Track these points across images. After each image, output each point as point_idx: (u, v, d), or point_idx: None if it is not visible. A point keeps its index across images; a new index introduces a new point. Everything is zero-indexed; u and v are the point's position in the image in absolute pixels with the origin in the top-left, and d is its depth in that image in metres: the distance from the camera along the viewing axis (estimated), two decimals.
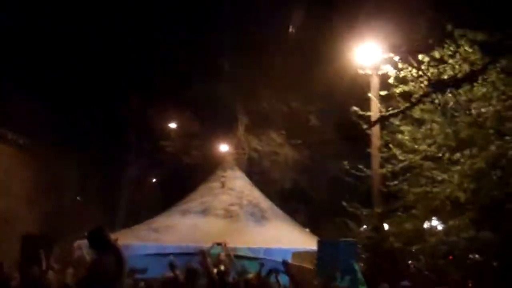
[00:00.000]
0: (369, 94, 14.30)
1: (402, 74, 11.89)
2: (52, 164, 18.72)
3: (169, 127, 20.59)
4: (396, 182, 13.69)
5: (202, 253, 10.37)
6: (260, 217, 14.68)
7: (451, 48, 11.07)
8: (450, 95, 11.49)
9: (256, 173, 19.71)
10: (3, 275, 9.34)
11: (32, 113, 17.01)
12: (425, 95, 11.16)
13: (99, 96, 19.35)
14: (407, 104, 12.06)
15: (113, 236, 13.45)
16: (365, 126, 14.19)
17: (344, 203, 14.45)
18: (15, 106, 16.49)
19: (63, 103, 18.74)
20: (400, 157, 13.42)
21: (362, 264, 13.90)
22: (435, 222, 15.23)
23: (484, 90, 10.88)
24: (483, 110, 11.15)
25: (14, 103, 16.45)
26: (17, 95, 16.70)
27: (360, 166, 14.35)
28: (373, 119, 14.46)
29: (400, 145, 13.56)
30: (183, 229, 13.58)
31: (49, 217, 18.06)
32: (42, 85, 18.27)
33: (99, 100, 19.41)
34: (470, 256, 14.15)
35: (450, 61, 11.10)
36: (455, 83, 10.82)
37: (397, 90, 12.27)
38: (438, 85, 11.00)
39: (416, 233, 13.68)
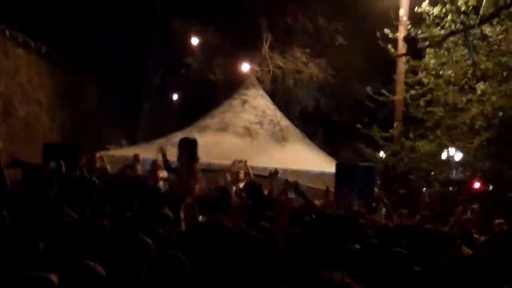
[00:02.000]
0: (400, 12, 13.97)
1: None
2: (73, 73, 18.84)
3: (192, 42, 20.30)
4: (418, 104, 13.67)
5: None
6: (280, 137, 14.70)
7: None
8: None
9: (279, 91, 19.64)
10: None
11: (54, 22, 17.01)
12: (454, 32, 10.91)
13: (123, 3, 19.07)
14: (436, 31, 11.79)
15: (132, 149, 13.73)
16: (392, 50, 13.98)
17: (360, 126, 14.53)
18: (39, 16, 16.47)
19: (87, 16, 18.57)
20: (424, 80, 13.30)
21: (377, 190, 14.14)
22: (452, 152, 15.27)
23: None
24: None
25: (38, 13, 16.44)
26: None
27: (383, 91, 14.27)
28: (400, 41, 14.22)
29: (426, 69, 13.43)
30: (203, 145, 13.62)
31: (69, 127, 18.40)
32: None
33: (122, 7, 19.12)
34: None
35: None
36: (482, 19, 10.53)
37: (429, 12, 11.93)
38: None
39: (432, 158, 13.82)
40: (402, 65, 14.48)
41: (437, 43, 11.79)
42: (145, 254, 3.69)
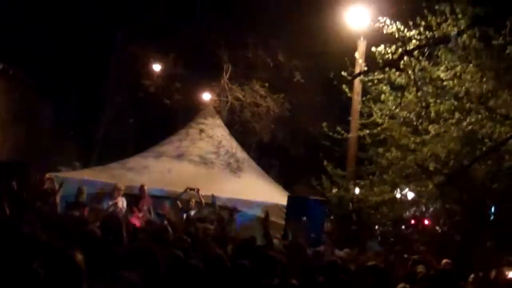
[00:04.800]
0: (356, 54, 14.33)
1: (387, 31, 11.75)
2: (30, 91, 18.49)
3: (151, 67, 20.28)
4: (370, 144, 13.90)
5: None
6: (235, 168, 14.77)
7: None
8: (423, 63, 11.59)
9: (236, 123, 19.73)
10: None
11: (13, 40, 16.74)
12: (401, 56, 11.13)
13: (82, 26, 18.92)
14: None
15: (85, 172, 13.55)
16: (347, 90, 14.30)
17: (321, 161, 14.71)
18: None
19: (45, 32, 18.35)
20: (378, 120, 13.54)
21: (329, 224, 14.26)
22: (404, 191, 15.55)
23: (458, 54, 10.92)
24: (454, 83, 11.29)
25: None
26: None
27: (339, 129, 14.52)
28: (356, 82, 14.58)
29: (380, 109, 13.69)
30: (157, 171, 13.62)
31: (21, 146, 17.95)
32: (30, 14, 17.84)
33: (81, 31, 18.97)
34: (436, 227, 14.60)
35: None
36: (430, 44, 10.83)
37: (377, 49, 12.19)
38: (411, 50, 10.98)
39: (385, 198, 14.02)
40: (357, 104, 14.78)
41: (385, 67, 12.00)
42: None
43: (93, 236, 6.15)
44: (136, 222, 10.16)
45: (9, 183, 8.65)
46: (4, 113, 17.51)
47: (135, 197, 11.86)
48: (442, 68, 11.14)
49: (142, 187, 12.01)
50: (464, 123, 11.18)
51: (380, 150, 13.40)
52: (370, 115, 13.83)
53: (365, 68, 13.55)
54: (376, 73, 12.24)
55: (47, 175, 12.62)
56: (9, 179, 8.89)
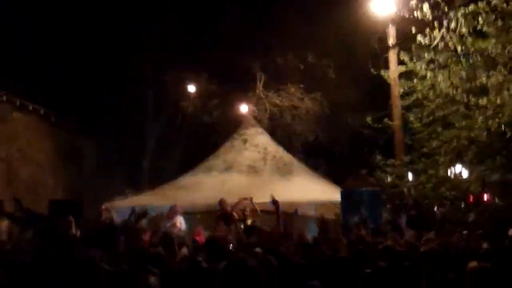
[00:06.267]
0: (389, 42, 14.19)
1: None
2: (73, 133, 18.95)
3: (187, 89, 20.54)
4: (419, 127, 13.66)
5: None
6: (285, 171, 14.77)
7: None
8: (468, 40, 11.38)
9: (278, 128, 19.75)
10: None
11: (49, 82, 17.22)
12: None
13: (115, 62, 19.27)
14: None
15: (138, 198, 13.68)
16: (384, 73, 14.17)
17: (366, 155, 14.57)
18: (34, 76, 16.68)
19: (80, 73, 18.77)
20: (424, 102, 13.30)
21: (387, 214, 14.04)
22: (458, 168, 15.22)
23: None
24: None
25: (33, 73, 16.66)
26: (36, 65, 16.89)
27: (385, 120, 14.36)
28: (391, 66, 14.44)
29: (421, 92, 13.49)
30: (209, 186, 13.71)
31: (71, 186, 18.36)
32: (60, 55, 18.29)
33: (115, 67, 19.32)
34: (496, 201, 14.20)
35: None
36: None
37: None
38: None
39: (441, 179, 13.75)
40: (397, 89, 14.61)
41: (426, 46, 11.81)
42: None
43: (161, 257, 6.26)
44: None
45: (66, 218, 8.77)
46: (51, 157, 17.98)
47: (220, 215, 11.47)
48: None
49: (222, 201, 11.52)
50: None
51: (437, 129, 13.14)
52: (408, 94, 13.60)
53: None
54: (418, 37, 11.96)
55: (104, 206, 12.89)
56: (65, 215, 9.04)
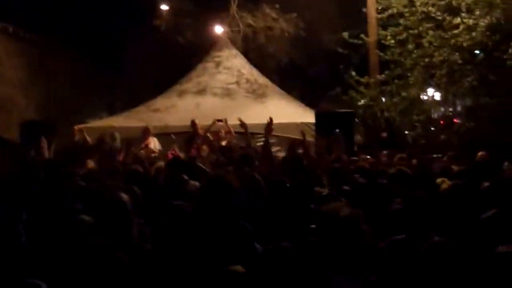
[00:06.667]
0: None
1: None
2: (44, 52, 18.47)
3: (159, 6, 19.99)
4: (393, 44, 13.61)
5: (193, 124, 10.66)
6: (259, 94, 14.72)
7: None
8: None
9: (252, 50, 19.50)
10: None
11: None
12: None
13: None
14: None
15: (112, 120, 13.60)
16: None
17: (341, 74, 14.56)
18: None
19: None
20: (395, 10, 13.17)
21: (359, 136, 14.24)
22: (431, 91, 15.37)
23: None
24: None
25: None
26: None
27: (361, 35, 14.24)
28: None
29: (397, 8, 13.32)
30: (183, 109, 13.67)
31: (44, 104, 18.11)
32: None
33: None
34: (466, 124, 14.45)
35: None
36: None
37: None
38: None
39: (413, 101, 13.89)
40: (373, 7, 14.47)
41: None
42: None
43: (138, 173, 6.33)
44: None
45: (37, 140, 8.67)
46: (23, 76, 17.60)
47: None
48: None
49: (193, 122, 11.03)
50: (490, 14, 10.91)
51: (405, 48, 13.12)
52: (385, 9, 13.45)
53: None
54: None
55: (76, 127, 12.81)
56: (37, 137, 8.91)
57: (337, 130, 9.99)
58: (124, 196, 3.76)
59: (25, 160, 7.71)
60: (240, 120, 9.34)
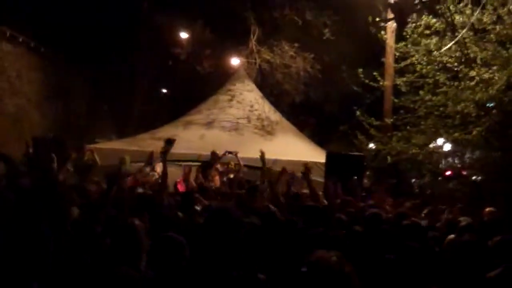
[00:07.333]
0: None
1: None
2: (62, 69, 18.70)
3: (180, 35, 20.22)
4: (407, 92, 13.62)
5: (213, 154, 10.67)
6: (267, 131, 14.53)
7: None
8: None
9: (268, 85, 19.59)
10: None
11: (43, 16, 16.86)
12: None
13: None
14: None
15: (116, 143, 13.51)
16: (383, 35, 14.06)
17: (355, 115, 14.55)
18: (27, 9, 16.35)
19: (74, 11, 18.35)
20: (415, 61, 13.21)
21: (366, 180, 14.12)
22: (440, 141, 15.25)
23: None
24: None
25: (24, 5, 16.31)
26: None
27: (375, 74, 14.26)
28: (388, 27, 14.32)
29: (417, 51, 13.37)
30: (187, 139, 13.36)
31: (58, 122, 18.25)
32: None
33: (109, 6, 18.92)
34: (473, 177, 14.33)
35: None
36: None
37: None
38: None
39: (423, 149, 13.80)
40: (392, 54, 14.57)
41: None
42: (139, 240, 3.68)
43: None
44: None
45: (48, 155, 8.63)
46: (40, 91, 17.79)
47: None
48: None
49: (213, 153, 11.14)
50: (507, 69, 10.90)
51: (420, 96, 13.11)
52: (404, 58, 13.52)
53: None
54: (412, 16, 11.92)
55: (87, 147, 12.80)
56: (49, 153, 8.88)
57: (355, 177, 9.95)
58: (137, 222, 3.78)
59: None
60: (262, 152, 9.23)
